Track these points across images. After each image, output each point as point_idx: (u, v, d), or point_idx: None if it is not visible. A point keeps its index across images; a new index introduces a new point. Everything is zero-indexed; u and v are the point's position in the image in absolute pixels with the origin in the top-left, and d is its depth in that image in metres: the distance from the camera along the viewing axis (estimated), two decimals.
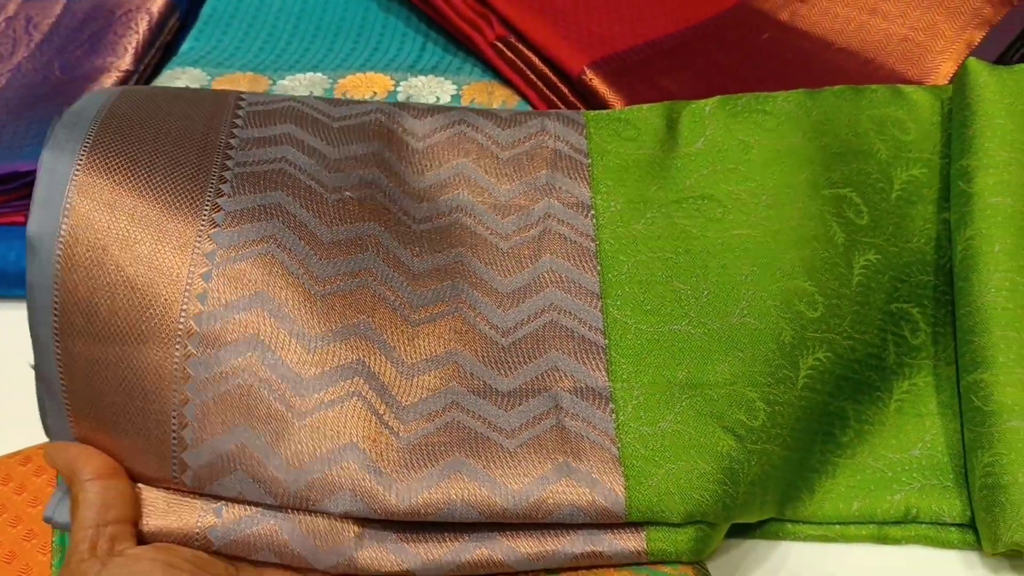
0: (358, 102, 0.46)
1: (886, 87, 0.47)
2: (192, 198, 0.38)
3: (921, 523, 0.40)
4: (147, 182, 0.37)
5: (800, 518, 0.40)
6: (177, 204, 0.37)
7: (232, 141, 0.41)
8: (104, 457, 0.36)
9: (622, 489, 0.36)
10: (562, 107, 0.53)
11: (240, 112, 0.42)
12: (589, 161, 0.45)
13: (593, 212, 0.44)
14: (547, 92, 0.53)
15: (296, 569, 0.36)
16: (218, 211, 0.38)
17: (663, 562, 0.36)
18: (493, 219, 0.43)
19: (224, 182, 0.39)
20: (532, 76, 0.53)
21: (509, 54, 0.54)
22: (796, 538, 0.41)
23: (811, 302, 0.40)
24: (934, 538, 0.40)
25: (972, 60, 0.46)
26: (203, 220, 0.37)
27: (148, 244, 0.36)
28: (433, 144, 0.45)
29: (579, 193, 0.44)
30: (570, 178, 0.45)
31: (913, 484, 0.40)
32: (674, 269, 0.42)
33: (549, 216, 0.44)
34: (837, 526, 0.40)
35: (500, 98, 0.54)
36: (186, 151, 0.39)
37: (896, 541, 0.40)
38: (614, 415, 0.38)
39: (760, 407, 0.38)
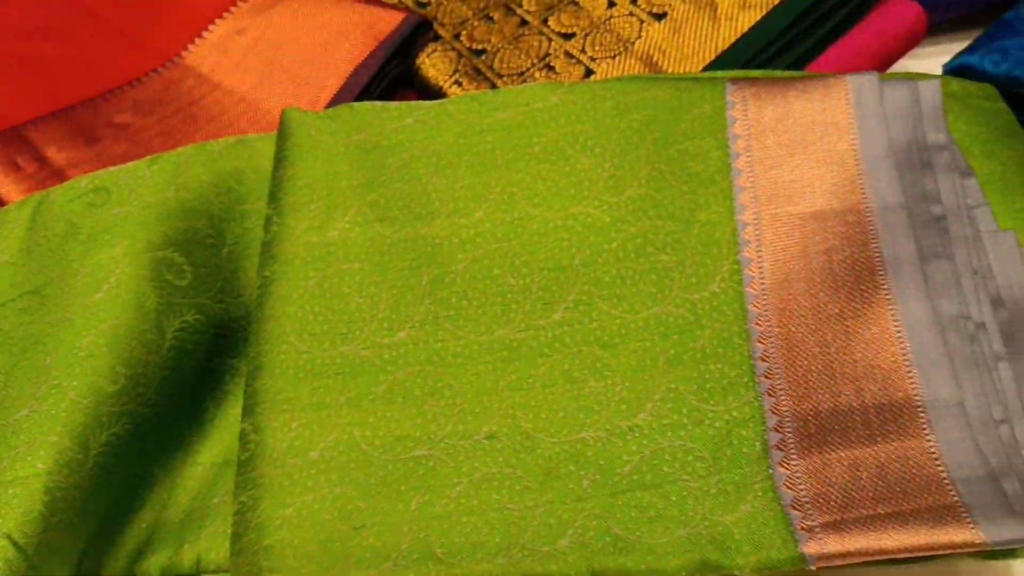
0: None
1: (233, 139, 0.49)
2: None
3: (206, 572, 0.41)
4: None
5: None
6: None
7: None
8: None
9: None
10: None
11: None
12: None
13: None
14: None
15: None
16: None
17: None
18: None
19: None
20: None
21: None
22: None
23: (112, 377, 0.41)
24: None
25: (288, 109, 0.47)
26: None
27: None
28: None
29: None
30: None
31: (203, 532, 0.42)
32: None
33: None
34: None
35: None
36: None
37: None
38: None
39: (39, 498, 0.38)
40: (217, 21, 0.59)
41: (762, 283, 0.40)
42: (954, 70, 0.50)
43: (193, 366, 0.44)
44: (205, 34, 0.59)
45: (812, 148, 0.42)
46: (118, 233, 0.45)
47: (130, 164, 0.48)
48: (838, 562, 0.34)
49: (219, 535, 0.41)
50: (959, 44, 0.52)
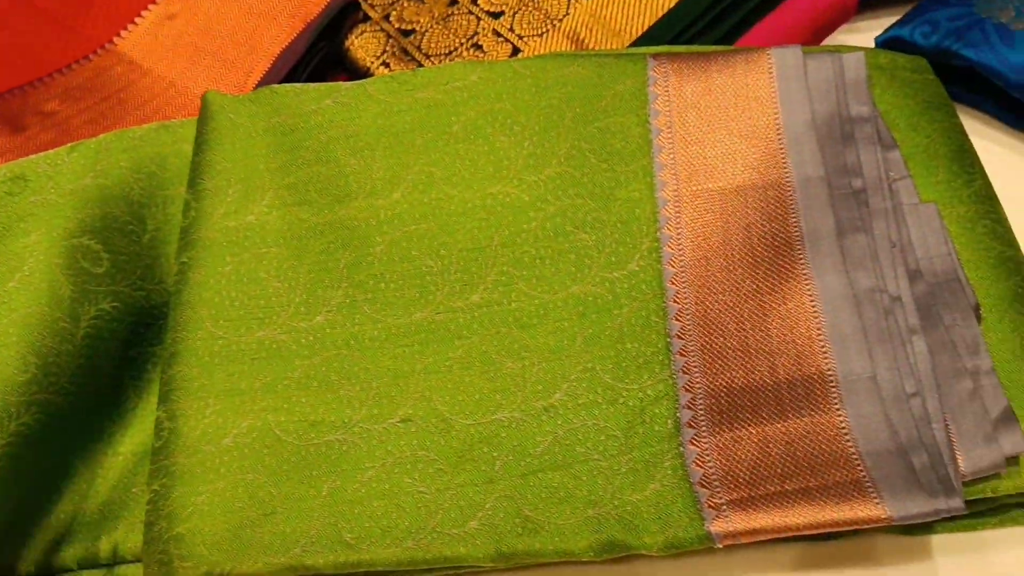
0: None
1: (156, 124, 0.48)
2: None
3: (127, 562, 0.41)
4: None
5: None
6: None
7: None
8: None
9: None
10: None
11: None
12: None
13: None
14: None
15: None
16: None
17: None
18: None
19: None
20: None
21: None
22: None
23: (22, 366, 0.40)
24: None
25: (209, 92, 0.46)
26: None
27: None
28: None
29: None
30: None
31: (120, 522, 0.41)
32: None
33: None
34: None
35: None
36: None
37: None
38: None
39: None
40: (150, 7, 0.58)
41: (681, 260, 0.40)
42: (885, 43, 0.49)
43: (111, 354, 0.44)
44: (138, 20, 0.58)
45: (734, 123, 0.42)
46: (34, 221, 0.44)
47: (50, 152, 0.47)
48: (744, 539, 0.33)
49: (136, 524, 0.41)
50: (894, 17, 0.52)
